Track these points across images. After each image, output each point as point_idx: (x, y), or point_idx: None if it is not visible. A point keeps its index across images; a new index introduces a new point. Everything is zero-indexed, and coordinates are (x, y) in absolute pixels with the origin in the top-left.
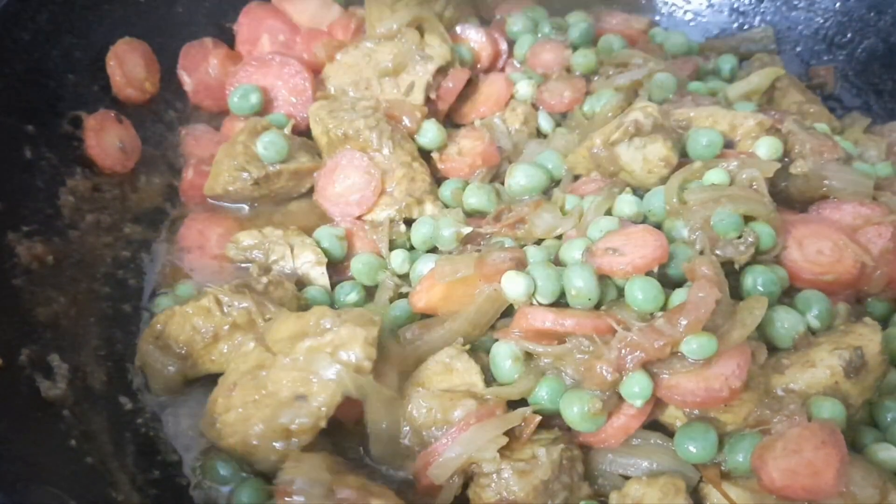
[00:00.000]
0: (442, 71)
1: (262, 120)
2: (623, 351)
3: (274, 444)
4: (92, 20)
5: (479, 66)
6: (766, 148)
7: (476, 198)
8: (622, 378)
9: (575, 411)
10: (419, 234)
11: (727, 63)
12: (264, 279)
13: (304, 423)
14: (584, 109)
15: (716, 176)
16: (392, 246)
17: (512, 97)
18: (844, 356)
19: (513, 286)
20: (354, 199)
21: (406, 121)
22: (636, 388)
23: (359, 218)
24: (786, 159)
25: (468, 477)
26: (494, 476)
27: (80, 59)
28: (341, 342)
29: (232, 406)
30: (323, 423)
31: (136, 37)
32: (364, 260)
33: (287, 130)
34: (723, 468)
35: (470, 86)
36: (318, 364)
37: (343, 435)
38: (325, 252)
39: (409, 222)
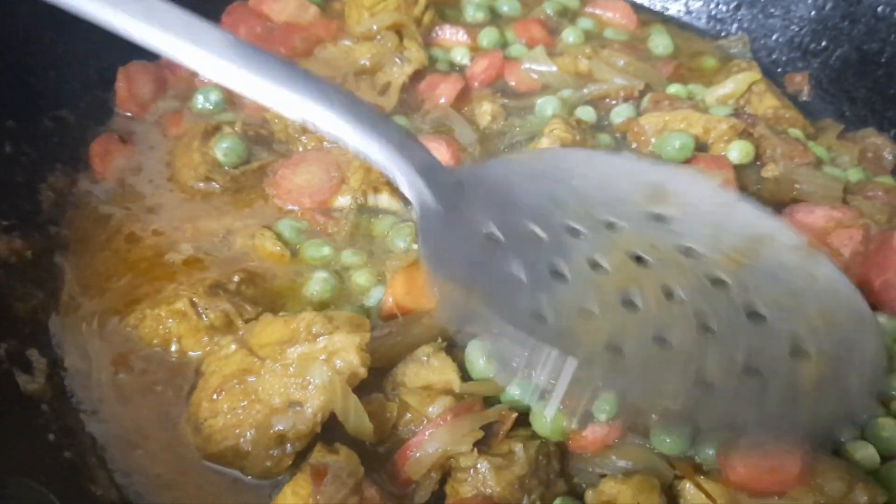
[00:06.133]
0: (418, 74)
1: (210, 122)
2: None
3: (269, 450)
4: (71, 17)
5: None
6: (738, 151)
7: None
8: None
9: (546, 422)
10: (380, 228)
11: (706, 64)
12: (236, 277)
13: (300, 430)
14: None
15: None
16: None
17: None
18: None
19: None
20: (310, 193)
21: None
22: (605, 405)
23: (318, 208)
24: (758, 163)
25: (445, 472)
26: (471, 471)
27: (62, 55)
28: (335, 349)
29: (219, 411)
30: (318, 429)
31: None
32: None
33: (237, 127)
34: (696, 460)
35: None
36: (312, 371)
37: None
38: (288, 245)
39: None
